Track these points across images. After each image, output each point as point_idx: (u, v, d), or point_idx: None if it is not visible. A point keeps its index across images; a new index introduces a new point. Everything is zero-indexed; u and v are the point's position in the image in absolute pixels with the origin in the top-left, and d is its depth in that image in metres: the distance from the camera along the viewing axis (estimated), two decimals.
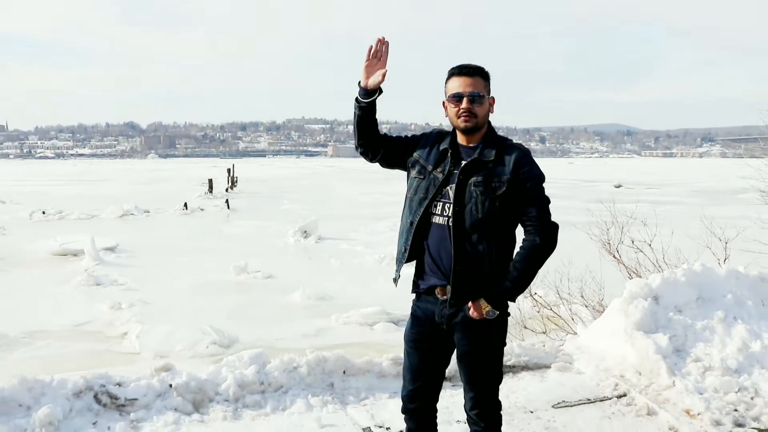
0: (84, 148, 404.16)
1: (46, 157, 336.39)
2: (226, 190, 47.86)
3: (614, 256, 9.52)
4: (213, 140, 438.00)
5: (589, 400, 5.93)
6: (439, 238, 3.64)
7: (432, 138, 3.80)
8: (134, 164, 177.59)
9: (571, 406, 5.78)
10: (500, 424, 3.89)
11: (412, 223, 3.70)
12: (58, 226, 26.27)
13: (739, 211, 18.55)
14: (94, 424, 5.26)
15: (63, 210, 30.99)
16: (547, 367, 6.66)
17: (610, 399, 5.94)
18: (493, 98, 3.70)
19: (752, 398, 5.77)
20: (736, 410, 5.60)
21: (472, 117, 3.60)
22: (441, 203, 3.64)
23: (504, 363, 6.56)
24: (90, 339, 10.48)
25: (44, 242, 20.06)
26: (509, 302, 3.67)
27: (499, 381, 3.84)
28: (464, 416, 5.45)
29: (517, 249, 3.68)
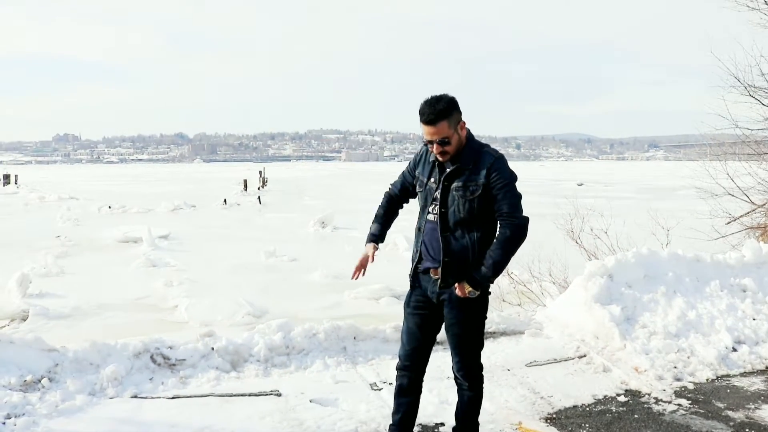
0: (142, 154, 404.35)
1: (112, 162, 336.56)
2: (258, 188, 47.87)
3: (576, 242, 9.54)
4: (247, 147, 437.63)
5: (555, 360, 5.92)
6: (431, 231, 3.68)
7: (423, 155, 3.81)
8: (183, 168, 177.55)
9: (541, 365, 5.78)
10: (481, 383, 3.90)
11: (419, 229, 3.75)
12: (121, 218, 26.31)
13: (679, 204, 18.49)
14: (150, 379, 5.27)
15: (125, 205, 31.05)
16: (522, 333, 6.65)
17: (573, 359, 5.94)
18: (463, 123, 3.61)
19: (688, 357, 5.77)
20: (675, 367, 5.60)
21: (445, 154, 3.60)
22: (433, 205, 3.68)
23: (486, 330, 6.59)
24: (147, 310, 10.51)
25: (110, 231, 20.14)
26: (488, 284, 3.67)
27: (481, 347, 3.83)
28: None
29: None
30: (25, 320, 9.61)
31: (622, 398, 5.06)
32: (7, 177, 59.09)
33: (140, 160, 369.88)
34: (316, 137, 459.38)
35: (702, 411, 4.82)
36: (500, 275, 3.67)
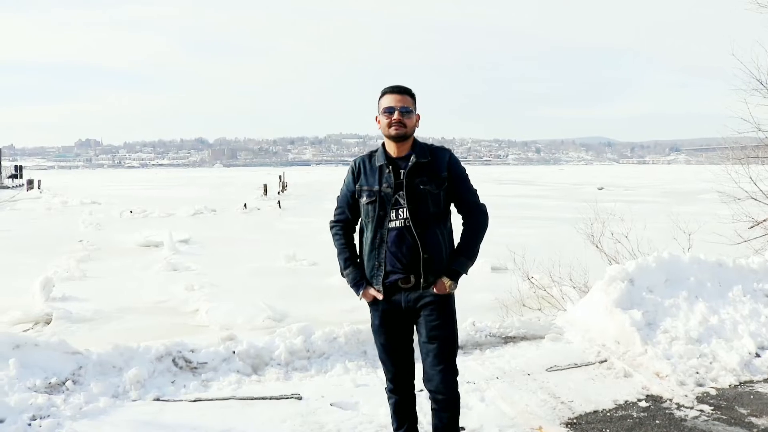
0: (163, 159, 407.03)
1: (133, 167, 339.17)
2: (278, 193, 48.02)
3: (597, 246, 9.50)
4: (267, 152, 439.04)
5: (576, 364, 5.90)
6: (397, 237, 3.54)
7: (361, 166, 3.70)
8: (203, 172, 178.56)
9: (562, 370, 5.76)
10: (458, 396, 3.66)
11: (382, 238, 3.57)
12: (142, 222, 26.52)
13: (700, 208, 18.37)
14: (172, 382, 5.31)
15: (146, 209, 31.29)
16: (542, 337, 6.63)
17: (594, 364, 5.91)
18: (419, 115, 3.64)
19: (711, 363, 5.73)
20: (697, 372, 5.56)
21: (401, 126, 3.53)
22: (394, 210, 3.55)
23: (507, 335, 6.59)
24: (168, 314, 10.58)
25: (131, 235, 20.28)
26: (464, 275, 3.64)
27: (454, 358, 3.65)
28: (473, 377, 5.46)
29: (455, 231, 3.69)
30: (48, 323, 9.71)
31: (643, 404, 5.03)
32: (30, 182, 59.79)
33: (161, 165, 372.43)
34: (335, 141, 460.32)
35: (725, 417, 4.78)
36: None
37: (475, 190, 3.70)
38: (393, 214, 3.56)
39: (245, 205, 34.16)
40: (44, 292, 11.06)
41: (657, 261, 6.96)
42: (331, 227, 3.92)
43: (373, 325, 3.79)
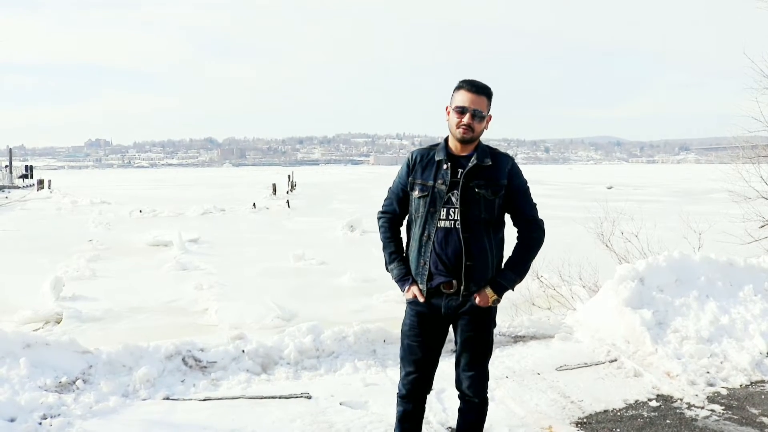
0: (172, 159, 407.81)
1: (142, 167, 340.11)
2: (287, 192, 48.05)
3: (607, 245, 9.46)
4: (276, 152, 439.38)
5: (586, 364, 5.88)
6: (445, 239, 3.41)
7: (418, 158, 3.57)
8: (212, 172, 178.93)
9: (571, 369, 5.75)
10: (487, 403, 3.73)
11: (429, 236, 3.45)
12: (151, 222, 26.58)
13: (711, 208, 18.25)
14: (182, 381, 5.32)
15: (156, 209, 31.34)
16: (552, 337, 6.62)
17: (604, 363, 5.90)
18: (490, 116, 3.50)
19: (721, 362, 5.71)
20: (708, 372, 5.54)
21: (469, 131, 3.39)
22: (446, 209, 3.41)
23: (516, 334, 6.58)
24: (178, 313, 10.59)
25: (141, 235, 20.32)
26: (512, 289, 3.54)
27: (490, 358, 3.68)
28: None
29: (509, 244, 3.54)
30: (58, 323, 9.74)
31: (653, 403, 5.02)
32: (41, 182, 60.03)
33: (170, 164, 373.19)
34: (344, 141, 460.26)
35: (736, 417, 4.76)
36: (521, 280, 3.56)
37: (535, 204, 3.58)
38: (443, 213, 3.43)
39: (254, 204, 34.19)
40: (54, 292, 11.10)
41: (667, 260, 6.94)
42: (378, 218, 3.78)
43: (405, 323, 3.67)
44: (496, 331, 6.52)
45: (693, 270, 6.91)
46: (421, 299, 3.51)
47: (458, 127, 3.42)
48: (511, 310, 8.68)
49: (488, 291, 3.44)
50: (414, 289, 3.53)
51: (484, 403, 3.67)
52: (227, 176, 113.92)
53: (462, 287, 3.44)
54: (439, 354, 3.68)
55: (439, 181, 3.46)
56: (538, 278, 9.21)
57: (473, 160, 3.44)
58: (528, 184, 3.56)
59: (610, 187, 53.97)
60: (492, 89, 3.48)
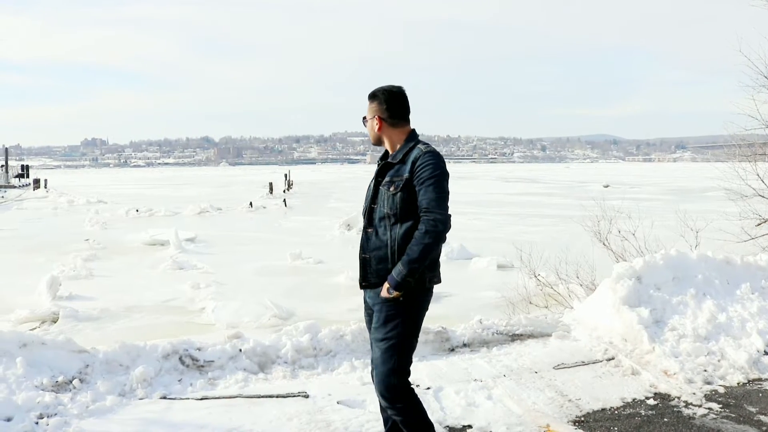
0: (169, 158, 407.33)
1: (139, 166, 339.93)
2: (284, 191, 48.07)
3: (604, 244, 9.47)
4: (272, 151, 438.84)
5: (583, 362, 5.88)
6: (362, 235, 3.68)
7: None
8: (209, 171, 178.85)
9: (569, 368, 5.74)
10: (406, 405, 3.56)
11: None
12: (148, 221, 26.58)
13: (708, 206, 18.29)
14: (179, 381, 5.31)
15: (152, 208, 31.34)
16: (549, 335, 6.61)
17: (601, 362, 5.90)
18: (377, 118, 3.63)
19: (719, 360, 5.71)
20: (705, 370, 5.54)
21: (372, 135, 3.70)
22: (367, 207, 3.65)
23: (513, 333, 6.56)
24: (175, 312, 10.60)
25: (137, 234, 20.32)
26: (407, 284, 3.40)
27: (398, 364, 3.52)
28: (480, 375, 5.46)
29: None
30: (55, 322, 9.74)
31: (651, 401, 5.02)
32: (37, 181, 59.92)
33: (167, 163, 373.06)
34: (341, 140, 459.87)
35: (733, 415, 4.75)
36: (415, 276, 3.39)
37: (437, 196, 3.39)
38: (366, 211, 3.65)
39: (251, 203, 34.20)
40: (51, 291, 11.09)
41: (664, 258, 6.94)
42: None
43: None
44: (493, 329, 6.54)
45: (690, 268, 6.91)
46: (363, 295, 3.73)
47: None
48: (509, 309, 8.69)
49: (386, 284, 3.47)
50: None
51: (398, 413, 3.56)
52: (224, 175, 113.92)
53: (360, 280, 3.64)
54: None
55: (372, 183, 3.69)
56: (535, 276, 9.22)
57: (388, 160, 3.61)
58: (435, 177, 3.42)
59: (606, 186, 54.08)
60: (377, 90, 3.68)
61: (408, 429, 3.59)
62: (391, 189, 3.49)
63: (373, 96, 3.66)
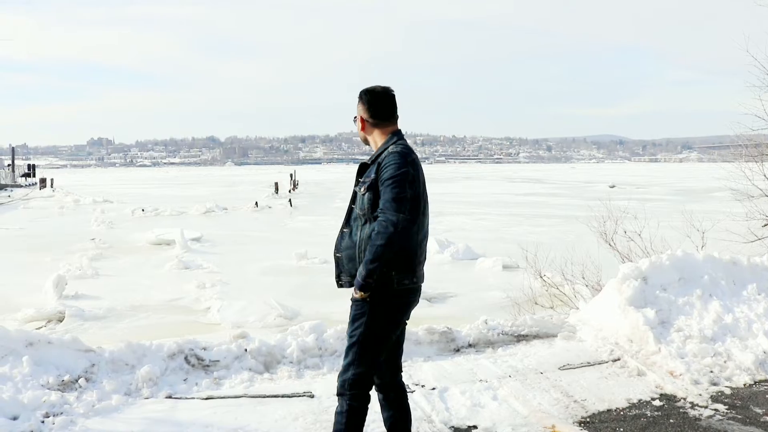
0: (174, 157, 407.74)
1: (145, 166, 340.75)
2: (289, 191, 48.11)
3: (610, 244, 9.46)
4: (278, 151, 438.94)
5: (589, 363, 5.87)
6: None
7: None
8: (214, 171, 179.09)
9: (574, 368, 5.74)
10: (352, 401, 3.55)
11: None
12: (154, 220, 26.63)
13: (714, 206, 18.21)
14: (185, 380, 5.32)
15: (158, 208, 31.41)
16: (554, 336, 6.60)
17: (607, 362, 5.88)
18: (362, 118, 3.65)
19: (725, 362, 5.69)
20: (711, 371, 5.52)
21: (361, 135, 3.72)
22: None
23: (518, 333, 6.55)
24: (180, 312, 10.62)
25: (143, 234, 20.36)
26: (368, 284, 3.37)
27: (357, 361, 3.50)
28: (486, 375, 5.45)
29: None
30: (61, 321, 9.77)
31: (657, 402, 5.01)
32: (43, 181, 60.11)
33: (172, 163, 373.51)
34: (346, 140, 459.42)
35: (740, 416, 4.74)
36: (374, 277, 3.35)
37: (394, 197, 3.31)
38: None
39: (256, 203, 34.23)
40: (57, 290, 11.12)
41: (670, 259, 6.92)
42: None
43: None
44: (498, 330, 6.52)
45: (696, 269, 6.89)
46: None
47: None
48: (514, 309, 8.68)
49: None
50: None
51: (338, 395, 3.59)
52: (229, 175, 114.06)
53: (334, 278, 3.65)
54: None
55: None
56: (541, 277, 9.21)
57: (365, 161, 3.64)
58: (394, 178, 3.35)
59: (612, 186, 53.98)
60: (362, 90, 3.68)
61: (336, 427, 3.57)
62: (362, 190, 3.51)
63: (359, 96, 3.67)
